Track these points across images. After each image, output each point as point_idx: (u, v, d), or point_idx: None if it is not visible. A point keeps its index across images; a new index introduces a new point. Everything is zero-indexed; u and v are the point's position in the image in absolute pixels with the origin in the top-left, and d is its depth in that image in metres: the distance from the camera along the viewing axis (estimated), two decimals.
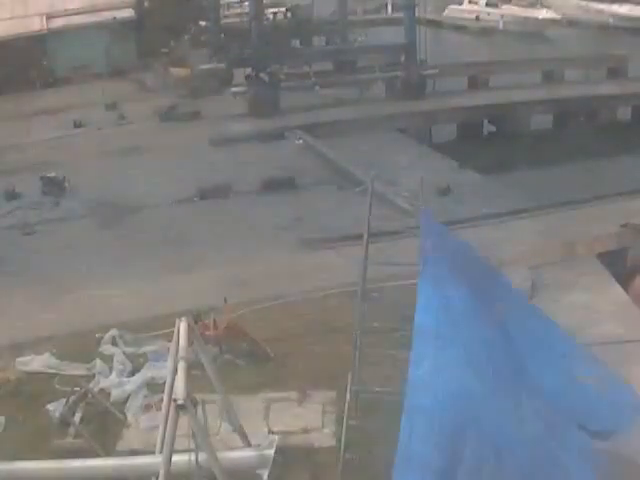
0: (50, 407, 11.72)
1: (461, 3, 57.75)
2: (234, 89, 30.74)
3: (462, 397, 6.93)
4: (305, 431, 11.28)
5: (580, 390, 7.93)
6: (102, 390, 12.24)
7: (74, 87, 34.27)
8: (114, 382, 12.44)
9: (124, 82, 34.03)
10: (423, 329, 7.16)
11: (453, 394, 6.89)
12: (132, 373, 12.70)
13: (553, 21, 53.28)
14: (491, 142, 30.45)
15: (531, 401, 7.23)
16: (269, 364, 12.88)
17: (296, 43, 37.88)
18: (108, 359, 13.02)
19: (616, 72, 35.36)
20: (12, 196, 21.68)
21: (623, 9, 53.66)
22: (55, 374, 12.76)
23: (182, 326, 8.66)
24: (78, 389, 11.88)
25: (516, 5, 54.55)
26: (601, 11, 53.82)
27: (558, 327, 8.38)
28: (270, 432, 11.01)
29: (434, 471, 6.71)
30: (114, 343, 13.43)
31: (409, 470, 6.63)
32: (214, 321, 13.04)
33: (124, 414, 11.71)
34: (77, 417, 11.44)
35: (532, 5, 54.40)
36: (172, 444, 7.82)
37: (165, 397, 8.92)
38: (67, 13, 36.22)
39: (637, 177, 21.29)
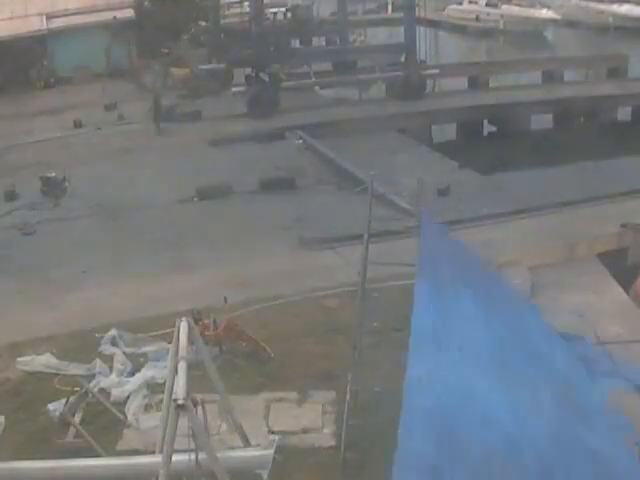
0: (50, 407, 11.73)
1: (461, 3, 57.69)
2: (234, 89, 30.74)
3: (461, 396, 6.92)
4: (305, 431, 11.29)
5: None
6: (102, 390, 12.25)
7: (74, 87, 34.25)
8: (114, 382, 12.46)
9: (124, 82, 34.01)
10: (420, 330, 7.16)
11: (452, 393, 6.89)
12: (132, 373, 12.71)
13: (553, 21, 53.26)
14: (491, 142, 30.44)
15: (550, 385, 7.17)
16: (269, 364, 12.89)
17: (296, 43, 37.83)
18: (108, 359, 13.03)
19: (616, 72, 35.37)
20: (12, 196, 21.67)
21: (623, 9, 53.63)
22: (55, 374, 12.77)
23: (182, 326, 8.67)
24: (78, 389, 11.88)
25: (516, 5, 54.50)
26: (601, 11, 53.77)
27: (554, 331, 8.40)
28: (270, 432, 11.02)
29: (433, 471, 6.70)
30: (114, 343, 13.44)
31: (408, 470, 6.62)
32: (214, 321, 13.05)
33: (124, 414, 11.71)
34: (77, 417, 11.45)
35: (532, 5, 54.39)
36: (172, 444, 7.83)
37: (165, 397, 8.93)
38: (67, 13, 36.18)
39: (637, 177, 21.27)
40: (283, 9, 41.35)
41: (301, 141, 25.88)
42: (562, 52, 42.30)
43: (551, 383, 7.23)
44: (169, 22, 36.15)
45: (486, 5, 55.47)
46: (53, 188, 21.88)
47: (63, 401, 11.66)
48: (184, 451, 8.02)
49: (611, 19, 52.53)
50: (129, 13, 37.07)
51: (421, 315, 7.23)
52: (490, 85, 34.83)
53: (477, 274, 8.15)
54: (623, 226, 17.44)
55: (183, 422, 7.68)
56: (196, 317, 12.06)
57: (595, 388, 7.56)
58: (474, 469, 6.76)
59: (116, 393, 12.19)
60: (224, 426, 10.63)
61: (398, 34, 35.08)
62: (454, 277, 7.78)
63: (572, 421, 7.11)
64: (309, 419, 11.50)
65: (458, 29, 55.28)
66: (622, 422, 7.47)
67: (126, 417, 11.64)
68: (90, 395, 11.91)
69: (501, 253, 16.09)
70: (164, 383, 9.53)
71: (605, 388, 7.60)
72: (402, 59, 32.40)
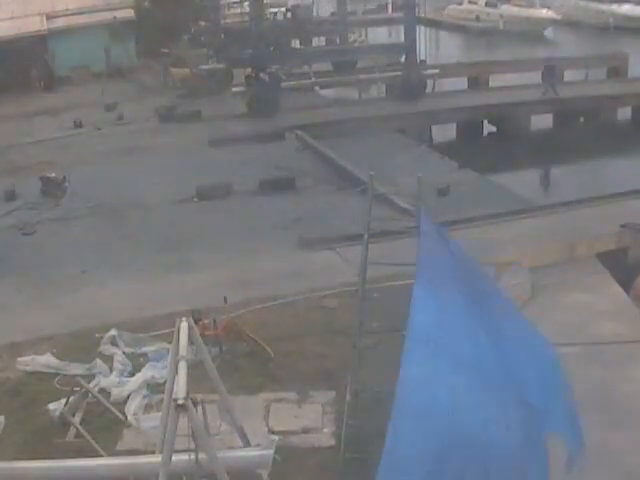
0: (50, 407, 11.72)
1: (461, 3, 57.74)
2: (234, 89, 30.76)
3: (449, 403, 6.93)
4: (305, 431, 11.29)
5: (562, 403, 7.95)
6: (102, 390, 12.24)
7: (74, 87, 34.27)
8: (114, 382, 12.45)
9: (124, 82, 34.02)
10: (415, 332, 7.16)
11: (440, 400, 6.90)
12: (132, 373, 12.70)
13: (553, 21, 53.29)
14: (491, 142, 30.46)
15: (516, 410, 7.23)
16: (269, 364, 12.89)
17: (296, 43, 37.85)
18: (108, 359, 13.03)
19: (616, 72, 35.38)
20: (12, 196, 21.67)
21: (623, 9, 53.65)
22: (55, 374, 12.76)
23: (182, 326, 8.67)
24: (78, 389, 11.87)
25: (516, 5, 54.54)
26: (601, 11, 53.79)
27: (542, 337, 8.40)
28: (270, 432, 11.02)
29: (419, 476, 6.72)
30: (114, 343, 13.43)
31: (394, 473, 6.64)
32: (214, 321, 13.05)
33: (124, 414, 11.71)
34: (77, 417, 11.44)
35: (532, 5, 54.41)
36: (172, 444, 7.82)
37: (165, 397, 8.93)
38: (67, 13, 36.20)
39: (637, 177, 21.29)
40: (283, 9, 41.41)
41: (301, 145, 25.82)
42: (562, 52, 42.28)
43: (519, 407, 7.29)
44: (169, 22, 36.16)
45: (486, 5, 55.51)
46: (53, 188, 21.88)
47: (63, 401, 11.64)
48: (184, 451, 8.02)
49: (611, 19, 52.54)
50: (129, 13, 37.07)
51: (416, 317, 7.23)
52: (490, 85, 34.84)
53: (473, 277, 8.12)
54: (623, 226, 17.44)
55: (183, 422, 7.68)
56: (196, 317, 12.05)
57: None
58: (459, 474, 6.82)
59: (116, 393, 12.18)
60: (224, 426, 10.62)
61: (398, 34, 35.12)
62: (451, 279, 7.77)
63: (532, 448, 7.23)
64: (309, 419, 11.50)
65: (458, 29, 55.31)
66: None
67: (126, 417, 11.64)
68: (90, 395, 11.90)
69: (501, 253, 16.09)
70: (164, 383, 9.53)
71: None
72: (402, 59, 32.43)
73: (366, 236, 10.47)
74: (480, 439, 6.91)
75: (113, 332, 13.58)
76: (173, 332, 8.82)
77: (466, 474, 6.86)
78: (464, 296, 7.66)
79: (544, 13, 53.44)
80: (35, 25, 35.40)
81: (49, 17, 35.91)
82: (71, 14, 36.14)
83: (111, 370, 12.75)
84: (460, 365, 7.12)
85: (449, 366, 7.09)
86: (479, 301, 7.81)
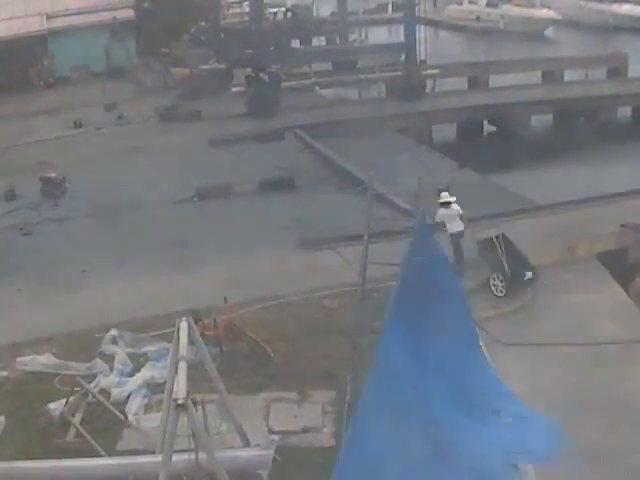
0: (50, 406, 11.73)
1: (461, 3, 57.69)
2: (234, 89, 30.74)
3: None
4: (305, 431, 11.29)
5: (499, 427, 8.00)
6: (102, 390, 12.25)
7: (74, 87, 34.26)
8: (114, 382, 12.46)
9: (124, 82, 34.01)
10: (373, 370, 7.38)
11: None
12: (132, 373, 12.70)
13: (553, 21, 53.26)
14: (491, 142, 30.45)
15: (422, 427, 7.35)
16: (269, 364, 12.89)
17: (296, 43, 37.85)
18: (108, 359, 13.03)
19: (616, 72, 35.36)
20: (12, 196, 21.67)
21: (623, 9, 53.62)
22: (55, 374, 12.76)
23: (182, 326, 8.67)
24: (78, 389, 11.88)
25: (516, 5, 54.49)
26: (601, 11, 53.76)
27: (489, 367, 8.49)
28: (270, 432, 11.02)
29: None
30: (114, 343, 13.44)
31: None
32: (214, 321, 13.05)
33: (124, 414, 11.71)
34: (77, 417, 11.44)
35: (532, 5, 54.38)
36: (172, 444, 7.83)
37: (165, 397, 8.93)
38: (67, 13, 36.19)
39: (637, 177, 21.28)
40: (283, 9, 41.42)
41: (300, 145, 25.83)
42: (562, 52, 42.26)
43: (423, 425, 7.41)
44: (169, 22, 36.13)
45: (486, 5, 55.44)
46: (53, 188, 21.89)
47: (63, 401, 11.65)
48: (184, 451, 8.02)
49: (611, 19, 52.51)
50: (129, 13, 37.06)
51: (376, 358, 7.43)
52: (490, 85, 34.83)
53: (439, 292, 8.14)
54: (623, 226, 17.44)
55: (183, 422, 7.69)
56: (196, 317, 12.04)
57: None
58: None
59: (116, 393, 12.19)
60: (224, 426, 10.63)
61: (398, 34, 35.11)
62: (419, 289, 7.82)
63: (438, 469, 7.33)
64: (309, 419, 11.51)
65: (458, 29, 55.27)
66: None
67: (127, 417, 11.64)
68: (90, 395, 11.90)
69: None
70: (164, 383, 9.53)
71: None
72: (402, 59, 32.41)
73: (366, 236, 10.49)
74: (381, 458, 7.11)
75: (113, 332, 13.59)
76: (173, 332, 8.83)
77: None
78: (420, 311, 7.74)
79: (544, 13, 53.39)
80: (35, 25, 35.39)
81: (49, 17, 35.90)
82: (71, 14, 36.12)
83: (111, 370, 12.76)
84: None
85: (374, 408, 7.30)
86: (432, 318, 7.89)
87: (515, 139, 28.45)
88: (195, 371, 8.79)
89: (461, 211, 15.70)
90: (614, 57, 36.51)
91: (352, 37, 40.44)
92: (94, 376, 12.62)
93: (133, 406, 11.85)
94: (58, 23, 35.90)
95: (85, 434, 10.96)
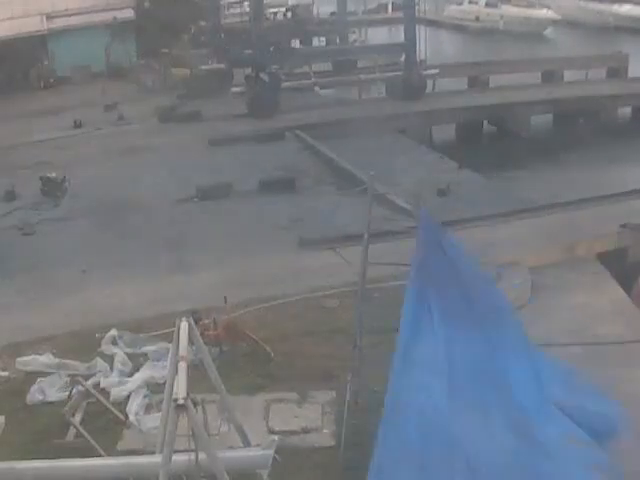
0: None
1: (461, 3, 57.73)
2: (234, 89, 30.74)
3: (430, 414, 6.97)
4: (305, 431, 11.29)
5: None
6: (102, 390, 12.24)
7: (74, 87, 34.26)
8: (114, 382, 12.45)
9: (124, 82, 34.01)
10: (403, 342, 7.21)
11: (421, 411, 6.95)
12: (132, 373, 12.70)
13: (553, 21, 53.28)
14: (491, 142, 30.45)
15: (501, 415, 7.25)
16: (269, 364, 12.89)
17: (296, 43, 37.84)
18: (108, 359, 13.03)
19: (616, 72, 35.37)
20: (12, 196, 21.67)
21: (623, 9, 53.66)
22: (55, 374, 12.75)
23: (182, 326, 8.67)
24: (78, 389, 11.87)
25: (516, 5, 54.51)
26: (601, 11, 53.79)
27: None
28: (270, 432, 11.02)
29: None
30: (114, 343, 13.44)
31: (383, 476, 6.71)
32: (214, 321, 13.05)
33: (124, 414, 11.71)
34: (77, 417, 11.44)
35: (532, 5, 54.40)
36: (172, 444, 7.83)
37: (165, 397, 8.93)
38: (67, 13, 36.20)
39: (637, 177, 21.28)
40: (283, 9, 41.42)
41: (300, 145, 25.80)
42: (562, 52, 42.27)
43: (504, 413, 7.28)
44: (169, 22, 36.12)
45: (486, 5, 55.50)
46: (53, 188, 21.88)
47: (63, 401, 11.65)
48: (184, 451, 8.02)
49: (611, 19, 52.54)
50: (129, 13, 37.06)
51: (405, 327, 7.27)
52: (490, 85, 34.83)
53: (468, 281, 8.09)
54: (623, 226, 17.43)
55: (183, 422, 7.68)
56: (196, 317, 12.04)
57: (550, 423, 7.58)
58: None
59: (116, 393, 12.19)
60: (224, 426, 10.63)
61: (398, 34, 35.10)
62: (444, 290, 7.77)
63: (526, 452, 7.20)
64: (309, 419, 11.50)
65: (458, 29, 55.30)
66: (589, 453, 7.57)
67: (127, 417, 11.64)
68: (91, 395, 11.90)
69: (501, 253, 16.09)
70: (164, 383, 9.53)
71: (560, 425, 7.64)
72: (402, 59, 32.40)
73: (366, 236, 10.47)
74: (464, 445, 6.95)
75: (113, 332, 13.59)
76: (173, 332, 8.83)
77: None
78: (455, 307, 7.65)
79: (544, 13, 53.43)
80: (35, 25, 35.38)
81: (49, 17, 35.90)
82: (71, 14, 36.12)
83: (111, 370, 12.76)
84: (442, 377, 7.15)
85: (430, 378, 7.11)
86: (469, 307, 7.80)
87: (515, 139, 28.47)
88: (195, 371, 8.79)
89: None
90: (614, 57, 36.53)
91: (352, 37, 40.41)
92: (94, 376, 12.61)
93: (134, 406, 11.84)
94: (58, 23, 35.90)
95: (85, 434, 10.95)
